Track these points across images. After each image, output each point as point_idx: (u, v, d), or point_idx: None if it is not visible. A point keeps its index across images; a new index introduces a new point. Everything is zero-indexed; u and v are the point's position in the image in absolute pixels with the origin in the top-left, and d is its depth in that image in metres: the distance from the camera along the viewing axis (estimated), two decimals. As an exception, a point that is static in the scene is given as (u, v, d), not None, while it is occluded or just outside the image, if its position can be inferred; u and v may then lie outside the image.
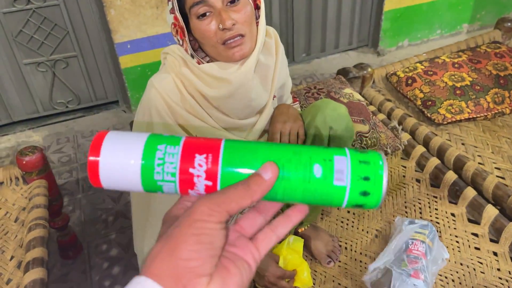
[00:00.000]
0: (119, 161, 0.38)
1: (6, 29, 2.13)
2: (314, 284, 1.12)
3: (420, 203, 1.32)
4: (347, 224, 1.29)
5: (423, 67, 1.79)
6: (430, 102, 1.64)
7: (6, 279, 1.12)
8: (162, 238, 0.35)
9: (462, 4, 2.94)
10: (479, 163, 1.42)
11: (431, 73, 1.74)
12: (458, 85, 1.66)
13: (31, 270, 1.09)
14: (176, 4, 0.83)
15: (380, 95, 1.79)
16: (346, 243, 1.23)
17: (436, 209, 1.29)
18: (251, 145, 0.38)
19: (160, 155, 0.38)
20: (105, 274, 1.63)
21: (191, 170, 0.37)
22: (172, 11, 0.84)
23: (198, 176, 0.37)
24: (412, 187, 1.38)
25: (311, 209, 1.15)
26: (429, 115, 1.62)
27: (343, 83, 1.67)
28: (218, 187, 0.37)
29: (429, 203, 1.31)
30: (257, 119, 0.95)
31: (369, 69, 1.81)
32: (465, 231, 1.21)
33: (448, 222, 1.25)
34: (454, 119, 1.59)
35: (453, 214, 1.26)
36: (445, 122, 1.59)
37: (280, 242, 1.13)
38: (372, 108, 1.70)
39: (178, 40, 0.86)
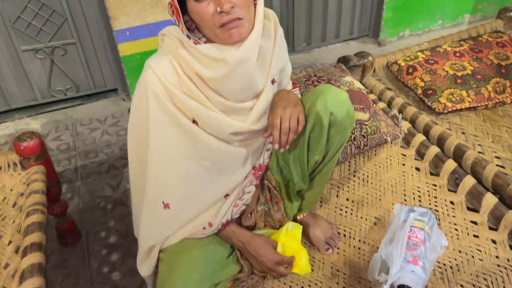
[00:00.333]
0: None
1: (4, 15, 2.11)
2: (312, 270, 1.12)
3: (419, 191, 1.31)
4: (346, 212, 1.29)
5: (424, 56, 1.78)
6: (430, 91, 1.63)
7: (3, 263, 1.12)
8: None
9: (464, -6, 2.92)
10: (479, 152, 1.42)
11: (432, 62, 1.73)
12: (459, 74, 1.65)
13: (29, 255, 1.09)
14: None
15: (380, 84, 1.78)
16: (345, 231, 1.23)
17: (436, 197, 1.28)
18: None
19: None
20: (103, 261, 1.63)
21: None
22: None
23: None
24: (412, 175, 1.37)
25: (310, 196, 1.15)
26: (429, 104, 1.62)
27: (343, 71, 1.66)
28: None
29: (428, 191, 1.31)
30: (255, 103, 0.94)
31: (370, 58, 1.80)
32: (464, 219, 1.20)
33: (447, 210, 1.24)
34: (454, 108, 1.58)
35: (452, 202, 1.26)
36: (446, 111, 1.59)
37: (278, 228, 1.13)
38: (372, 96, 1.69)
39: (175, 21, 0.85)
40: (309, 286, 1.08)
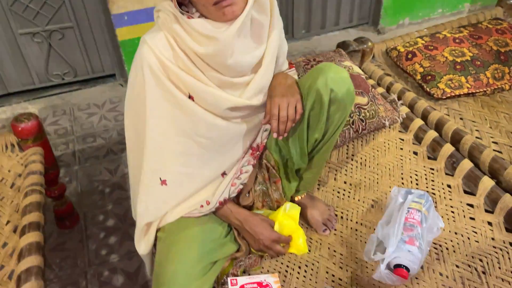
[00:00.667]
0: None
1: (0, -2, 2.09)
2: (309, 251, 1.13)
3: (417, 175, 1.32)
4: (343, 194, 1.30)
5: (423, 42, 1.78)
6: (429, 77, 1.63)
7: (1, 242, 1.12)
8: None
9: (464, -17, 2.91)
10: (476, 137, 1.42)
11: (432, 48, 1.73)
12: (459, 60, 1.65)
13: (27, 234, 1.09)
14: None
15: (379, 70, 1.78)
16: (342, 213, 1.23)
17: (433, 181, 1.29)
18: None
19: None
20: (101, 244, 1.63)
21: None
22: None
23: None
24: (409, 159, 1.38)
25: (308, 177, 1.15)
26: (428, 89, 1.62)
27: (342, 56, 1.65)
28: None
29: (425, 174, 1.32)
30: (252, 77, 0.94)
31: (369, 43, 1.79)
32: (461, 202, 1.21)
33: (444, 193, 1.25)
34: (453, 94, 1.59)
35: (449, 186, 1.27)
36: (444, 97, 1.59)
37: (276, 209, 1.13)
38: (371, 82, 1.69)
39: None
40: (306, 266, 1.09)
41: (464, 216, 1.17)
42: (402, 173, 1.33)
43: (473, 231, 1.13)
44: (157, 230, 1.01)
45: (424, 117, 1.51)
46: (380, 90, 1.64)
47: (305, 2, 2.74)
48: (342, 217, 1.22)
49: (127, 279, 1.50)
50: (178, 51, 0.86)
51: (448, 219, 1.17)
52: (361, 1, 2.87)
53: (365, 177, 1.34)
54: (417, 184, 1.29)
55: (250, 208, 1.11)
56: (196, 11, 0.87)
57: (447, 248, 1.10)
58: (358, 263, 1.08)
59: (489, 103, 1.59)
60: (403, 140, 1.45)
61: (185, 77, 0.87)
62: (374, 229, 1.13)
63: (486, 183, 1.21)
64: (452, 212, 1.19)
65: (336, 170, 1.38)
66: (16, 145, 1.42)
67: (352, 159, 1.42)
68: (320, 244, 1.15)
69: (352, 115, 1.41)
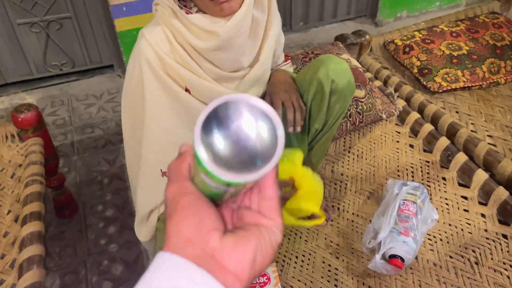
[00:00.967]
0: None
1: (-2, -13, 2.08)
2: (306, 241, 1.15)
3: (412, 167, 1.34)
4: (340, 186, 1.32)
5: (421, 35, 1.79)
6: (426, 70, 1.65)
7: (3, 232, 1.13)
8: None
9: (462, -24, 2.91)
10: (472, 130, 1.44)
11: (429, 41, 1.74)
12: (455, 54, 1.66)
13: (29, 223, 1.11)
14: None
15: (377, 63, 1.79)
16: (338, 204, 1.26)
17: (428, 173, 1.31)
18: None
19: None
20: (100, 233, 1.65)
21: None
22: None
23: None
24: (405, 152, 1.40)
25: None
26: (425, 83, 1.63)
27: (340, 49, 1.66)
28: None
29: (421, 167, 1.34)
30: (247, 72, 0.95)
31: (367, 36, 1.80)
32: (455, 194, 1.24)
33: (439, 185, 1.27)
34: (449, 88, 1.60)
35: (444, 178, 1.29)
36: (441, 91, 1.60)
37: None
38: (368, 75, 1.70)
39: None
40: (303, 256, 1.11)
41: (458, 208, 1.20)
42: (398, 166, 1.35)
43: (466, 223, 1.16)
44: (157, 220, 1.03)
45: (421, 110, 1.53)
46: (378, 83, 1.66)
47: (303, -6, 2.74)
48: (338, 208, 1.24)
49: (126, 268, 1.52)
50: (175, 45, 0.87)
51: (442, 211, 1.20)
52: (359, -6, 2.87)
53: (361, 169, 1.36)
54: (412, 176, 1.32)
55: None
56: (194, 6, 0.88)
57: (441, 239, 1.12)
58: (354, 253, 1.10)
59: (485, 97, 1.61)
60: (399, 133, 1.47)
61: (182, 71, 0.88)
62: (370, 220, 1.16)
63: (480, 176, 1.23)
64: (447, 204, 1.22)
65: (333, 162, 1.40)
66: (16, 135, 1.43)
67: (349, 152, 1.44)
68: (317, 234, 1.17)
69: (349, 108, 1.43)
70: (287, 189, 0.96)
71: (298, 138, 1.05)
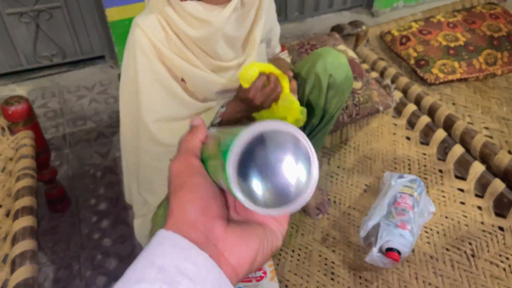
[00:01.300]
0: None
1: (-15, -25, 2.02)
2: (302, 234, 1.14)
3: (409, 160, 1.33)
4: (337, 179, 1.31)
5: (418, 26, 1.77)
6: (423, 62, 1.63)
7: (-6, 227, 1.11)
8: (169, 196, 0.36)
9: (458, -34, 2.88)
10: (468, 122, 1.44)
11: (426, 32, 1.72)
12: (452, 45, 1.65)
13: (21, 218, 1.08)
14: None
15: (373, 54, 1.77)
16: (335, 197, 1.25)
17: (425, 166, 1.31)
18: None
19: None
20: (94, 227, 1.63)
21: None
22: None
23: None
24: (402, 144, 1.39)
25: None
26: (421, 74, 1.62)
27: (337, 39, 1.64)
28: None
29: (418, 159, 1.33)
30: (244, 60, 0.93)
31: (364, 27, 1.78)
32: (452, 187, 1.23)
33: (435, 178, 1.27)
34: (446, 79, 1.59)
35: (440, 171, 1.28)
36: (437, 82, 1.59)
37: None
38: (365, 66, 1.68)
39: None
40: (300, 249, 1.10)
41: (455, 201, 1.19)
42: (395, 158, 1.35)
43: (463, 215, 1.15)
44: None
45: (417, 102, 1.52)
46: (374, 74, 1.64)
47: (298, -16, 2.71)
48: (335, 202, 1.23)
49: (120, 263, 1.50)
50: (170, 34, 0.85)
51: (439, 203, 1.19)
52: (354, -16, 2.84)
53: (358, 162, 1.35)
54: (409, 169, 1.31)
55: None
56: None
57: (437, 232, 1.12)
58: (350, 247, 1.10)
59: (481, 88, 1.60)
60: (396, 125, 1.46)
61: (178, 60, 0.86)
62: (367, 214, 1.15)
63: (477, 168, 1.23)
64: (443, 196, 1.21)
65: (329, 155, 1.39)
66: (6, 128, 1.40)
67: (345, 144, 1.42)
68: (313, 228, 1.16)
69: (346, 100, 1.41)
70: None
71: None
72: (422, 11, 1.95)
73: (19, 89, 2.35)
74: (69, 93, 2.34)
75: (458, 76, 1.60)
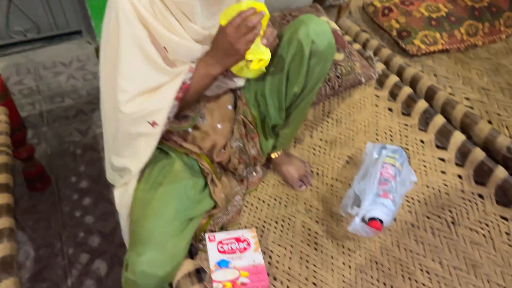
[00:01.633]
0: None
1: None
2: (286, 206, 1.14)
3: (391, 131, 1.34)
4: (319, 151, 1.30)
5: (400, -3, 1.75)
6: (405, 33, 1.62)
7: (-31, 205, 1.08)
8: None
9: None
10: (449, 93, 1.44)
11: (408, 3, 1.71)
12: (434, 15, 1.64)
13: (-4, 196, 1.06)
14: None
15: (356, 26, 1.75)
16: (318, 169, 1.25)
17: (407, 136, 1.31)
18: None
19: None
20: (75, 205, 1.61)
21: None
22: None
23: None
24: (384, 115, 1.39)
25: (285, 133, 1.14)
26: (404, 46, 1.61)
27: (319, 11, 1.62)
28: None
29: (400, 130, 1.33)
30: None
31: (346, -2, 1.75)
32: (433, 156, 1.24)
33: (417, 148, 1.27)
34: (428, 50, 1.59)
35: (422, 141, 1.29)
36: (419, 53, 1.59)
37: (254, 164, 1.13)
38: (347, 38, 1.67)
39: None
40: (283, 220, 1.10)
41: (436, 170, 1.21)
42: (377, 129, 1.35)
43: (443, 184, 1.17)
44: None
45: (399, 73, 1.51)
46: (357, 46, 1.63)
47: (280, -45, 2.64)
48: (318, 174, 1.23)
49: (103, 240, 1.49)
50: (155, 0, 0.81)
51: (420, 173, 1.20)
52: (337, -45, 2.79)
53: (340, 134, 1.35)
54: (391, 139, 1.31)
55: (226, 165, 1.10)
56: None
57: (418, 201, 1.13)
58: (333, 217, 1.10)
59: (462, 59, 1.60)
60: (378, 96, 1.46)
61: (159, 28, 0.83)
62: (350, 185, 1.15)
63: (458, 138, 1.24)
64: (425, 166, 1.22)
65: (312, 128, 1.38)
66: (-22, 104, 1.35)
67: (328, 116, 1.42)
68: (297, 199, 1.16)
69: (328, 72, 1.39)
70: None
71: (275, 102, 1.02)
72: (404, -18, 1.92)
73: (-8, 65, 2.27)
74: (45, 70, 2.26)
75: (439, 47, 1.60)
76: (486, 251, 1.00)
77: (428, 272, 0.97)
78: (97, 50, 1.49)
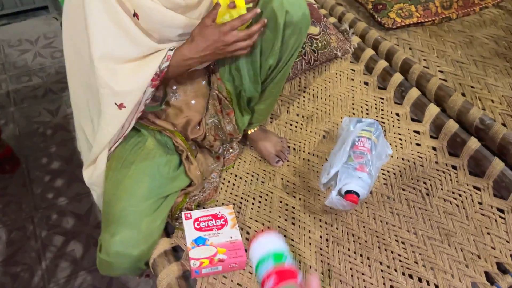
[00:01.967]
0: None
1: None
2: (263, 182, 1.13)
3: (367, 105, 1.33)
4: (296, 127, 1.29)
5: (375, -31, 1.73)
6: (381, 6, 1.61)
7: None
8: None
9: None
10: (424, 66, 1.44)
11: (383, -25, 1.68)
12: (409, -12, 1.63)
13: (-40, 179, 1.01)
14: None
15: (331, -1, 1.73)
16: (294, 144, 1.24)
17: (382, 110, 1.31)
18: None
19: None
20: (47, 187, 1.56)
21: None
22: None
23: None
24: (360, 89, 1.39)
25: (261, 109, 1.12)
26: (379, 19, 1.60)
27: (294, -17, 1.58)
28: None
29: (375, 104, 1.33)
30: None
31: (321, -30, 1.72)
32: (408, 129, 1.25)
33: (393, 121, 1.28)
34: (403, 23, 1.58)
35: (397, 114, 1.30)
36: (395, 27, 1.58)
37: (229, 141, 1.11)
38: (323, 11, 1.64)
39: None
40: (260, 197, 1.10)
41: (411, 143, 1.21)
42: (353, 104, 1.34)
43: (418, 156, 1.18)
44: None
45: (375, 47, 1.51)
46: (332, 20, 1.61)
47: None
48: (294, 149, 1.23)
49: (77, 221, 1.46)
50: None
51: (396, 146, 1.21)
52: None
53: (317, 109, 1.34)
54: (367, 113, 1.31)
55: (201, 142, 1.07)
56: None
57: (394, 173, 1.14)
58: (310, 192, 1.10)
59: (437, 32, 1.60)
60: (354, 71, 1.45)
61: None
62: (326, 159, 1.15)
63: (432, 111, 1.24)
64: (400, 139, 1.23)
65: (288, 103, 1.37)
66: None
67: (304, 92, 1.40)
68: (274, 175, 1.15)
69: (304, 46, 1.37)
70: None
71: (250, 74, 0.99)
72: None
73: (-48, 43, 2.15)
74: (10, 47, 2.16)
75: (414, 20, 1.59)
76: (459, 221, 1.02)
77: (403, 243, 0.98)
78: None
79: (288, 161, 1.19)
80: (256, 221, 1.04)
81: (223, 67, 1.01)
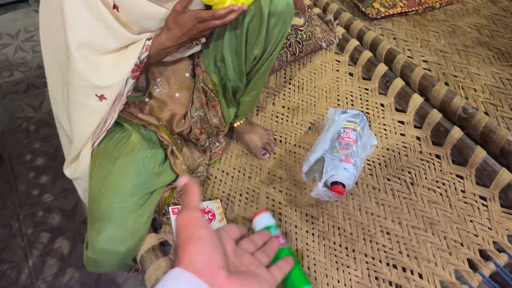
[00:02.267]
0: None
1: None
2: (250, 178, 1.13)
3: (352, 96, 1.34)
4: (282, 119, 1.29)
5: (359, -42, 1.72)
6: (365, -4, 1.61)
7: None
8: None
9: None
10: (408, 56, 1.45)
11: (367, -35, 1.68)
12: (393, -23, 1.63)
13: None
14: None
15: (315, -11, 1.72)
16: (280, 137, 1.24)
17: (367, 101, 1.32)
18: None
19: None
20: (32, 184, 1.54)
21: None
22: None
23: None
24: (345, 80, 1.39)
25: (247, 101, 1.12)
26: (363, 9, 1.60)
27: (277, -26, 1.56)
28: None
29: (360, 95, 1.34)
30: None
31: (305, -40, 1.71)
32: (392, 120, 1.26)
33: (377, 112, 1.29)
34: (387, 13, 1.58)
35: (382, 105, 1.30)
36: (379, 17, 1.58)
37: (216, 134, 1.10)
38: (307, 2, 1.64)
39: None
40: (247, 193, 1.10)
41: (396, 133, 1.23)
42: (338, 95, 1.35)
43: (403, 146, 1.19)
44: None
45: (360, 37, 1.51)
46: (317, 10, 1.60)
47: None
48: (280, 141, 1.23)
49: (64, 218, 1.44)
50: None
51: (381, 136, 1.22)
52: None
53: (302, 101, 1.34)
54: (352, 104, 1.32)
55: (187, 136, 1.07)
56: None
57: (379, 164, 1.15)
58: (296, 185, 1.11)
59: (421, 22, 1.61)
60: (339, 61, 1.45)
61: None
62: (311, 149, 1.15)
63: (416, 101, 1.25)
64: (385, 129, 1.24)
65: (274, 95, 1.37)
66: None
67: (289, 83, 1.40)
68: (260, 169, 1.15)
69: (288, 37, 1.37)
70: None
71: (235, 65, 0.98)
72: None
73: None
74: (-11, 42, 2.11)
75: (398, 10, 1.60)
76: (442, 209, 1.04)
77: (388, 233, 0.99)
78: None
79: (274, 153, 1.19)
80: (243, 217, 1.04)
81: (208, 59, 1.00)
